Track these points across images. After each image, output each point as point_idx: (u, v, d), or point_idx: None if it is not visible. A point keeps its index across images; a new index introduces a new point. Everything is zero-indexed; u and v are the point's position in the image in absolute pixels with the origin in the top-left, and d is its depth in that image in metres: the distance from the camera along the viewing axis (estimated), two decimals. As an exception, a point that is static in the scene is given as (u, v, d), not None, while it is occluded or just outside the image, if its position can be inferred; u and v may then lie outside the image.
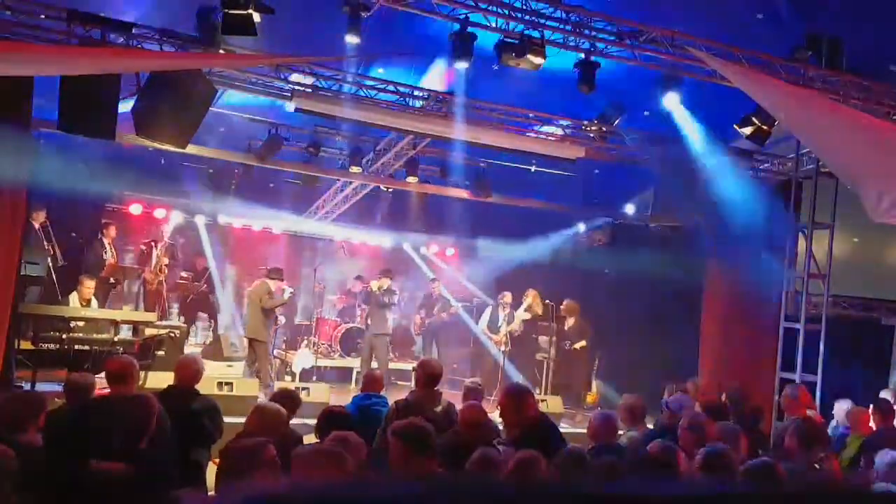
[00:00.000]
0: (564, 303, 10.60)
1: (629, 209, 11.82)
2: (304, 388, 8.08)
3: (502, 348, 10.48)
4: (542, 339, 10.95)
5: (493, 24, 6.64)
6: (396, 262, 13.08)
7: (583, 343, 10.42)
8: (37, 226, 9.12)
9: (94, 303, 8.91)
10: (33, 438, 3.71)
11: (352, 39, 6.43)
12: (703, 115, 8.29)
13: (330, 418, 4.43)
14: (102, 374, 5.09)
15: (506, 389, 4.98)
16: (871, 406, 6.13)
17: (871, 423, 5.95)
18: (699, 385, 6.62)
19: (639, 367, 9.70)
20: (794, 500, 0.84)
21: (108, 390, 4.71)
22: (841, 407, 6.28)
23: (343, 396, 7.89)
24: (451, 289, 12.82)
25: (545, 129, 9.16)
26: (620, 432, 5.40)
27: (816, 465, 4.40)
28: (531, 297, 10.59)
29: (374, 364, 9.83)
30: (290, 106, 8.04)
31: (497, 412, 7.34)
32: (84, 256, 10.02)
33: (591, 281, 11.50)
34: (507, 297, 10.81)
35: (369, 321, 10.40)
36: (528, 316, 10.56)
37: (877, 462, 4.15)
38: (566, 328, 10.57)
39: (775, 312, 8.71)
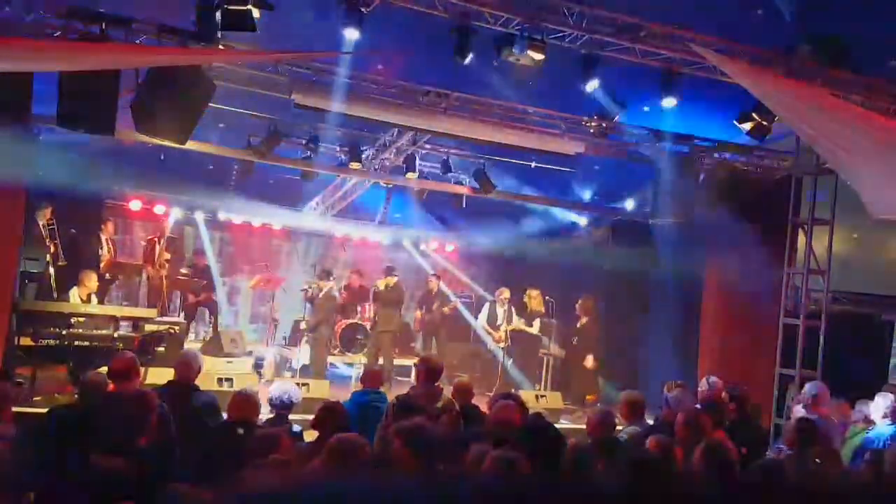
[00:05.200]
0: (580, 301, 10.50)
1: (629, 205, 11.81)
2: (304, 384, 8.10)
3: (502, 345, 10.49)
4: (544, 337, 10.95)
5: (493, 20, 6.63)
6: (396, 259, 13.11)
7: (591, 359, 10.23)
8: (42, 223, 9.12)
9: (94, 299, 8.91)
10: (5, 430, 3.71)
11: (351, 35, 6.42)
12: (703, 111, 8.28)
13: (327, 413, 4.44)
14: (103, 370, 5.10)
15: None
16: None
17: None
18: (714, 384, 6.57)
19: (639, 363, 9.71)
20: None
21: (112, 387, 4.72)
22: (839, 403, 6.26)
23: (343, 392, 7.90)
24: (450, 285, 12.83)
25: (545, 124, 9.14)
26: (620, 428, 5.42)
27: (818, 461, 4.41)
28: (531, 296, 10.56)
29: (381, 361, 9.89)
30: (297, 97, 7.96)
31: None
32: (83, 253, 10.01)
33: (591, 278, 11.50)
34: (505, 292, 10.81)
35: (377, 319, 10.49)
36: (535, 329, 10.54)
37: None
38: (577, 325, 10.51)
39: (775, 308, 8.71)
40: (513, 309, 10.68)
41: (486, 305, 11.19)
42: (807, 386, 6.36)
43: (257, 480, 3.05)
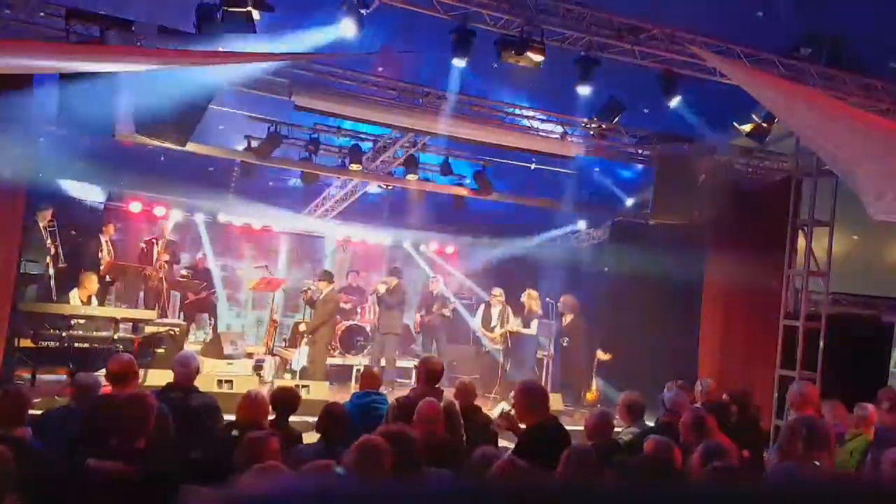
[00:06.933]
0: (562, 299, 10.57)
1: (629, 206, 11.82)
2: (304, 386, 8.10)
3: (499, 346, 10.46)
4: (542, 338, 10.94)
5: (492, 22, 6.63)
6: (395, 260, 13.11)
7: (601, 352, 10.38)
8: (42, 224, 9.12)
9: (94, 300, 8.91)
10: (25, 433, 3.70)
11: (351, 36, 6.41)
12: (703, 113, 8.28)
13: (330, 415, 4.43)
14: (102, 372, 5.10)
15: (520, 387, 4.89)
16: (879, 403, 6.05)
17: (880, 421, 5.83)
18: (708, 386, 6.56)
19: (638, 364, 9.70)
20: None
21: (109, 389, 4.72)
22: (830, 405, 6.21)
23: (343, 394, 7.89)
24: (450, 286, 12.83)
25: (545, 126, 9.15)
26: (619, 429, 5.41)
27: (817, 463, 4.39)
28: (530, 296, 10.55)
29: (383, 363, 9.89)
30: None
31: (496, 410, 7.30)
32: (83, 255, 10.02)
33: (591, 278, 11.50)
34: (499, 293, 10.77)
35: (379, 321, 10.50)
36: (532, 330, 10.50)
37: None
38: (563, 325, 10.55)
39: (775, 310, 8.70)
40: (509, 310, 10.65)
41: (482, 307, 11.18)
42: (794, 386, 6.30)
43: (257, 482, 3.04)
